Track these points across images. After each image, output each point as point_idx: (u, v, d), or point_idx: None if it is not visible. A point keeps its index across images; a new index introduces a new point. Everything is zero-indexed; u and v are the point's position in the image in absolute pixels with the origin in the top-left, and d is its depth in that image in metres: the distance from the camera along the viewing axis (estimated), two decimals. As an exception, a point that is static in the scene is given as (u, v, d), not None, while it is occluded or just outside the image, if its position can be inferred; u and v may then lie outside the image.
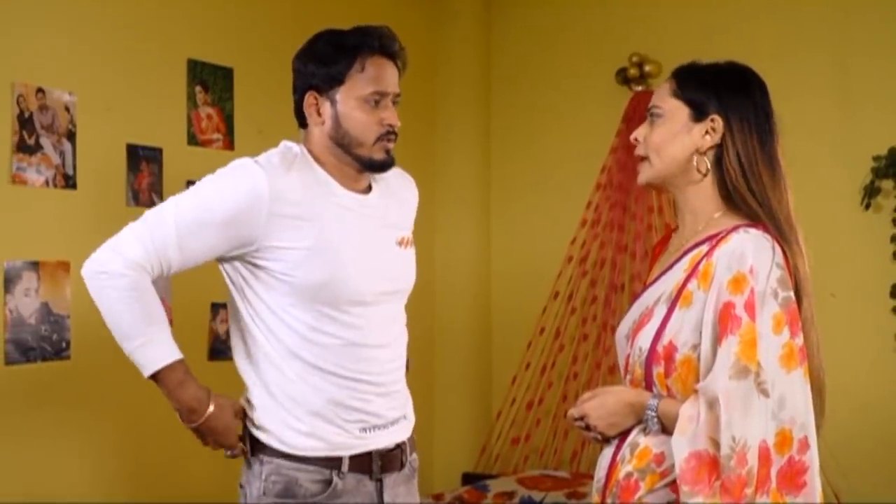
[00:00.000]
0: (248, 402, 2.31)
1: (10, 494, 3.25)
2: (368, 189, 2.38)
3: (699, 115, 2.04)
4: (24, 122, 3.35)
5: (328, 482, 2.23)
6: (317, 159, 2.31)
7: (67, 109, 3.49)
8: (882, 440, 4.26)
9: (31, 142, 3.37)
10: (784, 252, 1.96)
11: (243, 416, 2.31)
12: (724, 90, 2.06)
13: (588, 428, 2.07)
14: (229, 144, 4.09)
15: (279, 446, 2.24)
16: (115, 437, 3.61)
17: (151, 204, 3.73)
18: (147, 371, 2.21)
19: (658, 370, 1.99)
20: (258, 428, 2.27)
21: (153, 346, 2.20)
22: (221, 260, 2.28)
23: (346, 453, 2.25)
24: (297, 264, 2.19)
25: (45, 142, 3.42)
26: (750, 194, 2.01)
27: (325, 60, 2.27)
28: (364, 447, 2.28)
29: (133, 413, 3.66)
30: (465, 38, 5.41)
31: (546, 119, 5.33)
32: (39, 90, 3.40)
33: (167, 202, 2.25)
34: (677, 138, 2.05)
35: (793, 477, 1.86)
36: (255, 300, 2.26)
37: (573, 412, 2.09)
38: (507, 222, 5.44)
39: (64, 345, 3.45)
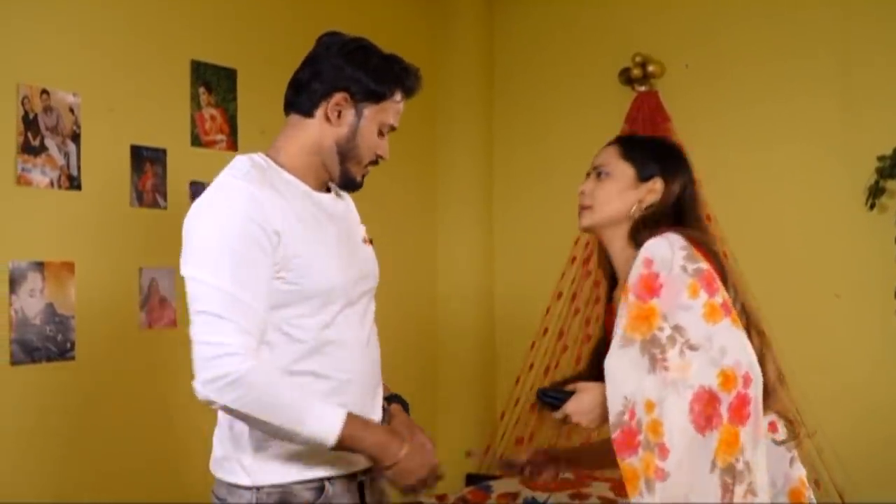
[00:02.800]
0: (231, 448, 2.24)
1: (16, 495, 3.25)
2: (328, 190, 2.38)
3: (644, 176, 2.36)
4: (29, 123, 3.36)
5: (321, 489, 2.23)
6: (285, 162, 2.28)
7: (72, 110, 3.49)
8: (887, 440, 4.26)
9: (36, 143, 3.38)
10: (690, 238, 2.22)
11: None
12: (665, 160, 2.39)
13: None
14: (233, 145, 4.09)
15: (276, 480, 2.20)
16: (119, 436, 3.62)
17: (155, 205, 3.74)
18: (330, 442, 2.10)
19: None
20: (249, 477, 2.21)
21: (321, 417, 2.10)
22: None
23: (343, 471, 2.24)
24: (302, 270, 2.17)
25: (50, 143, 3.42)
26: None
27: (375, 76, 2.26)
28: (361, 463, 2.25)
29: (138, 413, 3.67)
30: (468, 37, 5.41)
31: (549, 119, 5.33)
32: (44, 91, 3.41)
33: (194, 277, 2.11)
34: (624, 194, 2.35)
35: (739, 409, 2.06)
36: None
37: (556, 415, 2.25)
38: (509, 222, 5.45)
39: (69, 345, 3.46)
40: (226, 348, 2.04)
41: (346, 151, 2.28)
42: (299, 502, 2.20)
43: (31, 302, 3.35)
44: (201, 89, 3.99)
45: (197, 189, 3.79)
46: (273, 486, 2.19)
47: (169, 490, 3.68)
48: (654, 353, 2.08)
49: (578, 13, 5.26)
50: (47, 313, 3.40)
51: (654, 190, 2.33)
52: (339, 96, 2.26)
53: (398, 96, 2.31)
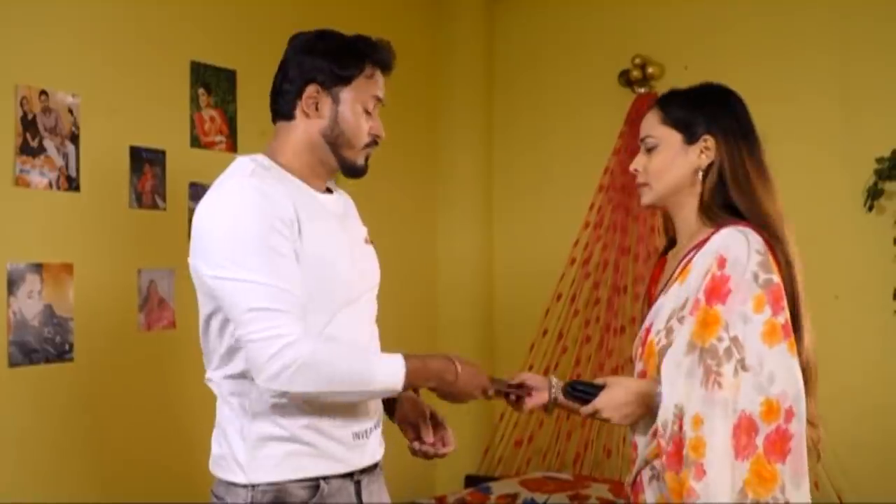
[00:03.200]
0: (227, 447, 2.24)
1: (15, 496, 3.25)
2: (329, 191, 2.39)
3: (691, 137, 2.21)
4: (28, 124, 3.36)
5: (316, 487, 2.23)
6: (284, 163, 2.28)
7: (71, 111, 3.49)
8: (885, 442, 4.26)
9: (35, 144, 3.37)
10: (768, 242, 2.10)
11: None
12: (710, 110, 2.23)
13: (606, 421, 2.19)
14: (232, 146, 4.09)
15: (271, 478, 2.20)
16: (117, 438, 3.61)
17: (154, 206, 3.74)
18: (399, 389, 2.18)
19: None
20: (245, 475, 2.21)
21: (387, 369, 2.16)
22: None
23: (338, 471, 2.24)
24: (310, 265, 2.17)
25: (49, 144, 3.42)
26: (741, 201, 2.19)
27: (336, 58, 2.27)
28: (356, 464, 2.28)
29: (135, 414, 3.67)
30: (468, 39, 5.42)
31: (549, 120, 5.33)
32: (43, 92, 3.41)
33: (226, 277, 2.09)
34: (676, 162, 2.22)
35: (780, 444, 1.98)
36: None
37: (586, 409, 2.19)
38: (509, 224, 5.45)
39: (67, 347, 3.45)
40: (285, 339, 2.05)
41: (334, 140, 2.28)
42: (294, 501, 2.20)
43: (30, 304, 3.35)
44: (200, 90, 3.99)
45: (196, 190, 3.79)
46: (268, 484, 2.19)
47: (169, 491, 3.67)
48: (709, 364, 2.00)
49: (578, 15, 5.27)
50: (46, 315, 3.39)
51: (708, 148, 2.20)
52: (310, 89, 2.27)
53: (369, 71, 2.29)
